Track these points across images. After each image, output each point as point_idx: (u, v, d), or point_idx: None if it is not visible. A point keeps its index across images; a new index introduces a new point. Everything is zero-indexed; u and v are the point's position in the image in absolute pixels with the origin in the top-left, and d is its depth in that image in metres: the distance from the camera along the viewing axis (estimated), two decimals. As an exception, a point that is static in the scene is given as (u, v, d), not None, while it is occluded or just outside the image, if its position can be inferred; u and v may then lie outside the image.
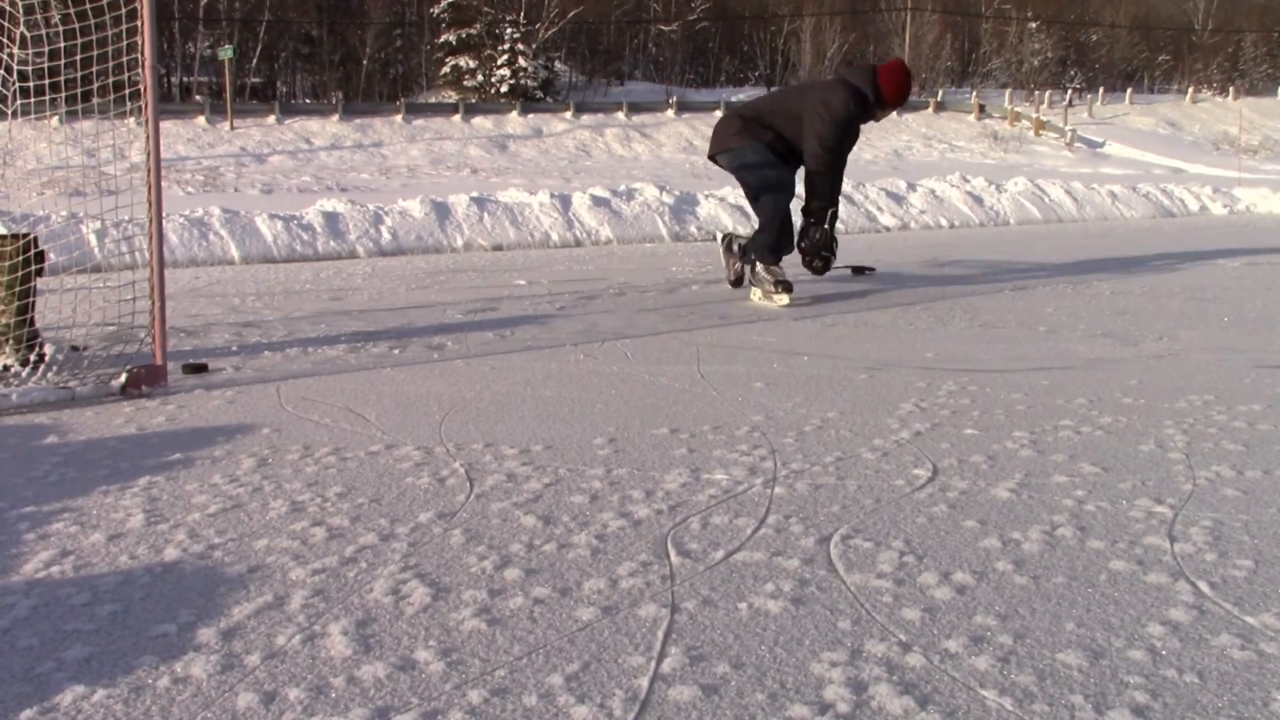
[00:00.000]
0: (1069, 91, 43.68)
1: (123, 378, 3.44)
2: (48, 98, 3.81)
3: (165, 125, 27.17)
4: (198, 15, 40.54)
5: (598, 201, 11.22)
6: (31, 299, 3.83)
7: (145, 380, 3.47)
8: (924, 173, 18.10)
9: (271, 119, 29.58)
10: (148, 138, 3.41)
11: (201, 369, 3.87)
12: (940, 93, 42.13)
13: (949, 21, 52.04)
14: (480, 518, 2.23)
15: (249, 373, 3.86)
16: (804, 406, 3.24)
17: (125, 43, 3.53)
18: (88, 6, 3.59)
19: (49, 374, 3.54)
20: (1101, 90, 44.97)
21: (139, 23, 3.42)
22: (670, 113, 35.50)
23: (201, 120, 28.68)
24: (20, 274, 3.78)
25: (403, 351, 4.26)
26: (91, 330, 4.07)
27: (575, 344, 4.40)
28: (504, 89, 38.65)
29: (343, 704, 1.47)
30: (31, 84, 3.91)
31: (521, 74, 39.47)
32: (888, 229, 12.50)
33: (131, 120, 3.56)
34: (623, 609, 1.77)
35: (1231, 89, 47.48)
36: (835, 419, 3.07)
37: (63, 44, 3.69)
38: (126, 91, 3.55)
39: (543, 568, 1.96)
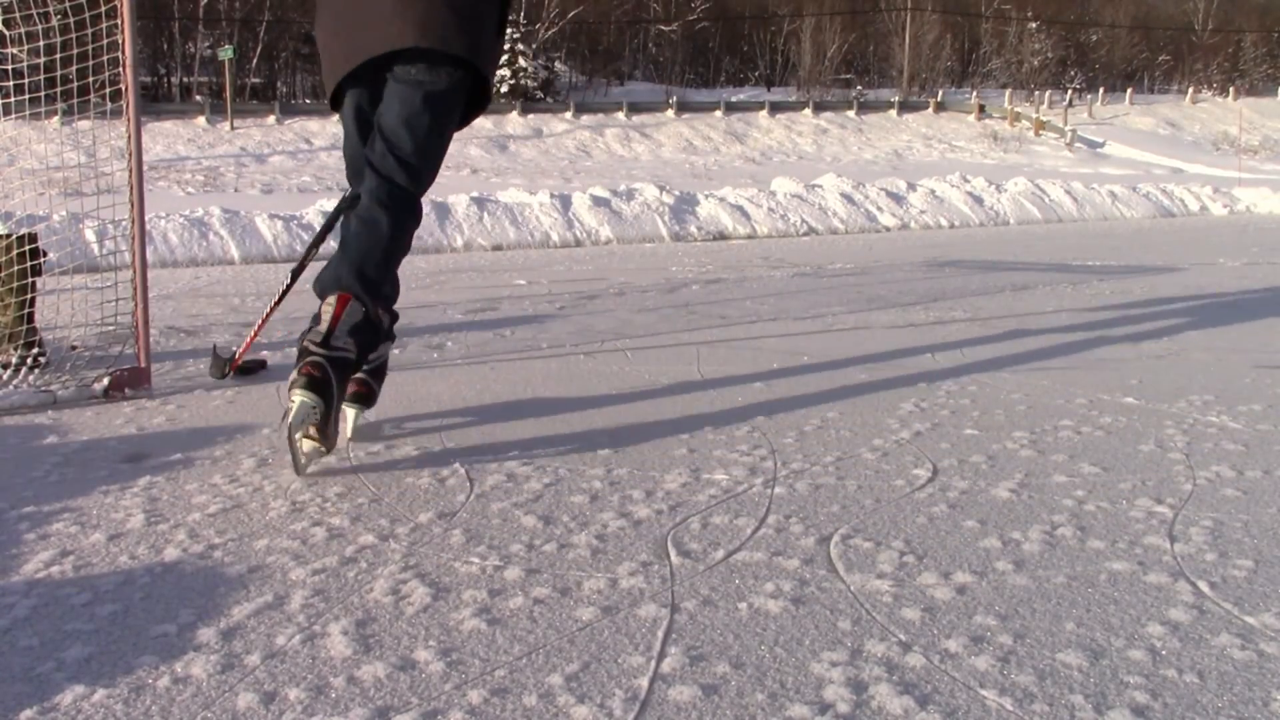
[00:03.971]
0: (1069, 92, 43.69)
1: (105, 380, 3.42)
2: (28, 96, 3.80)
3: (165, 125, 27.22)
4: (198, 15, 40.52)
5: (598, 201, 11.22)
6: (31, 297, 3.83)
7: (128, 383, 3.45)
8: (924, 173, 18.11)
9: (271, 119, 29.59)
10: (129, 138, 3.40)
11: (260, 366, 3.90)
12: (940, 93, 42.13)
13: (949, 21, 52.06)
14: (480, 518, 2.23)
15: (249, 374, 3.85)
16: (804, 406, 3.24)
17: (106, 41, 3.51)
18: (67, 5, 3.58)
19: (30, 376, 3.52)
20: (1101, 90, 44.99)
21: (119, 21, 3.41)
22: (670, 113, 35.52)
23: (201, 120, 28.70)
24: (23, 274, 3.78)
25: (403, 351, 4.25)
26: (90, 330, 4.07)
27: (575, 344, 4.40)
28: (504, 89, 38.64)
29: (343, 704, 1.47)
30: (11, 84, 3.91)
31: (521, 74, 39.46)
32: (888, 229, 12.50)
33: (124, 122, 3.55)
34: (623, 609, 1.77)
35: (1231, 89, 47.49)
36: (835, 419, 3.07)
37: (41, 43, 3.67)
38: (107, 91, 3.53)
39: (543, 568, 1.96)
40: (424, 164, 2.75)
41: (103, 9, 3.49)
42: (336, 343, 2.52)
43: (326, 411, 2.46)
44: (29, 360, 3.66)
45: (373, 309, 2.62)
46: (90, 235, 6.94)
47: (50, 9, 3.65)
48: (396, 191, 2.70)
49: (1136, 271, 7.41)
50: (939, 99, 40.14)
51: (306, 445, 2.53)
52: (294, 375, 2.45)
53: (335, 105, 2.84)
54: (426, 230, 9.90)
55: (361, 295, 2.59)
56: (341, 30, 2.73)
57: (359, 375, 2.83)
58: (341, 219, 2.73)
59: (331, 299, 2.56)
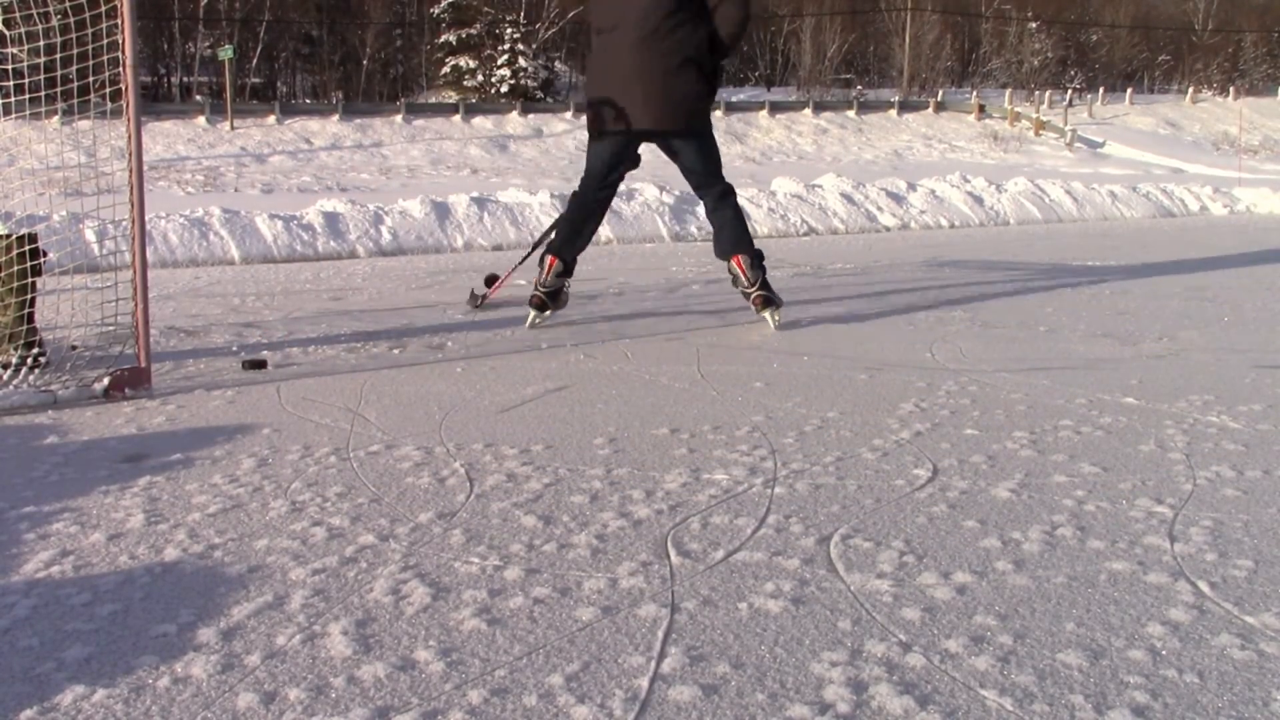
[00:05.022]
0: (1069, 91, 43.67)
1: (106, 381, 3.42)
2: (28, 96, 3.80)
3: (165, 125, 27.19)
4: (198, 15, 40.53)
5: (598, 201, 11.20)
6: (31, 297, 3.83)
7: (129, 383, 3.45)
8: (924, 173, 18.10)
9: (271, 119, 29.56)
10: (129, 137, 3.40)
11: (261, 365, 3.90)
12: (940, 93, 42.12)
13: (949, 21, 52.04)
14: (480, 518, 2.23)
15: (249, 373, 3.86)
16: (804, 406, 3.24)
17: (106, 41, 3.51)
18: (67, 5, 3.58)
19: (30, 376, 3.52)
20: (1101, 90, 44.94)
21: (119, 21, 3.41)
22: (670, 113, 35.39)
23: (201, 120, 28.66)
24: (23, 274, 3.78)
25: (403, 351, 4.26)
26: (90, 330, 4.07)
27: (575, 344, 4.40)
28: (504, 89, 38.63)
29: (343, 704, 1.47)
30: (11, 84, 3.91)
31: (521, 74, 39.45)
32: (888, 229, 12.50)
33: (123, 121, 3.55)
34: (623, 609, 1.77)
35: (1231, 89, 47.46)
36: (835, 419, 3.07)
37: (41, 43, 3.67)
38: (107, 91, 3.53)
39: (543, 568, 1.96)
40: (713, 168, 4.84)
41: (103, 9, 3.49)
42: (752, 276, 4.74)
43: (778, 305, 4.79)
44: (29, 360, 3.66)
45: (750, 255, 4.75)
46: (90, 235, 6.94)
47: (50, 9, 3.65)
48: (720, 193, 4.83)
49: (1136, 271, 7.41)
50: (939, 99, 40.11)
51: (774, 319, 4.75)
52: (758, 303, 4.77)
53: (593, 136, 4.76)
54: (426, 230, 9.90)
55: (743, 253, 4.75)
56: (614, 97, 4.59)
57: (536, 292, 4.75)
58: (717, 215, 4.86)
59: (732, 261, 4.78)
